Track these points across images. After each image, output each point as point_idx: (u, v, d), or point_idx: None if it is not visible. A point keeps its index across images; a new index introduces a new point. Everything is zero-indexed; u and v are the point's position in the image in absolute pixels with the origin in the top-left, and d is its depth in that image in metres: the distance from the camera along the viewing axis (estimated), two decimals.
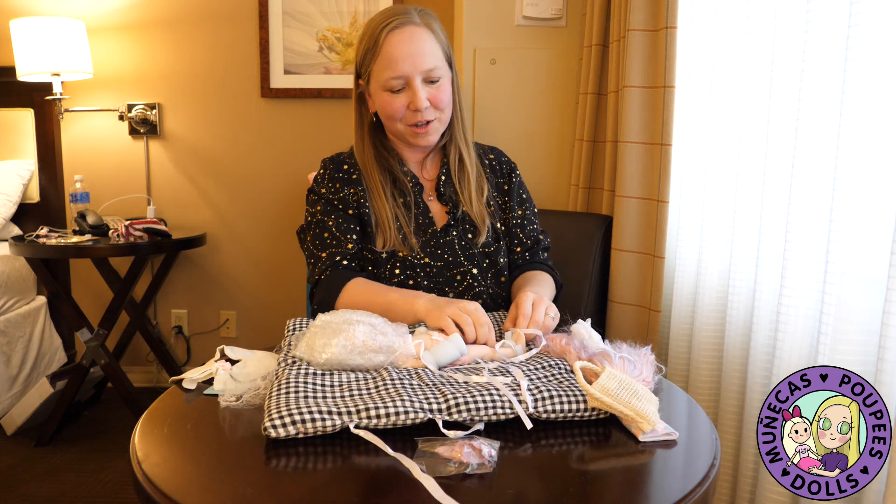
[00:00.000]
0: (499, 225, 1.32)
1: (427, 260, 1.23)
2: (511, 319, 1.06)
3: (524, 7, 2.06)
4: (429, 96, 1.20)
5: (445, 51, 1.23)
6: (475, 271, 1.25)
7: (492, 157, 1.38)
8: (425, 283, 1.22)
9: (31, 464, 2.18)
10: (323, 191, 1.28)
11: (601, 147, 1.93)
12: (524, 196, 1.38)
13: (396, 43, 1.17)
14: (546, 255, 1.38)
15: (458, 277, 1.24)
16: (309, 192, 1.33)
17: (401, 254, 1.22)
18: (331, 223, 1.25)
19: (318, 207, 1.28)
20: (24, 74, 2.45)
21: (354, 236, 1.25)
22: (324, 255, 1.23)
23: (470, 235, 1.27)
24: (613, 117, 1.81)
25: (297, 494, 0.67)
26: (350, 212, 1.26)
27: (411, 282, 1.22)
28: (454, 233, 1.27)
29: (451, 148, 1.30)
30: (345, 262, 1.22)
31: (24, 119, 2.74)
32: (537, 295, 1.09)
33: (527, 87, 2.09)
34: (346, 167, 1.29)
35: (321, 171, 1.31)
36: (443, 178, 1.30)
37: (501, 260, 1.28)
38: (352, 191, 1.27)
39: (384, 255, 1.22)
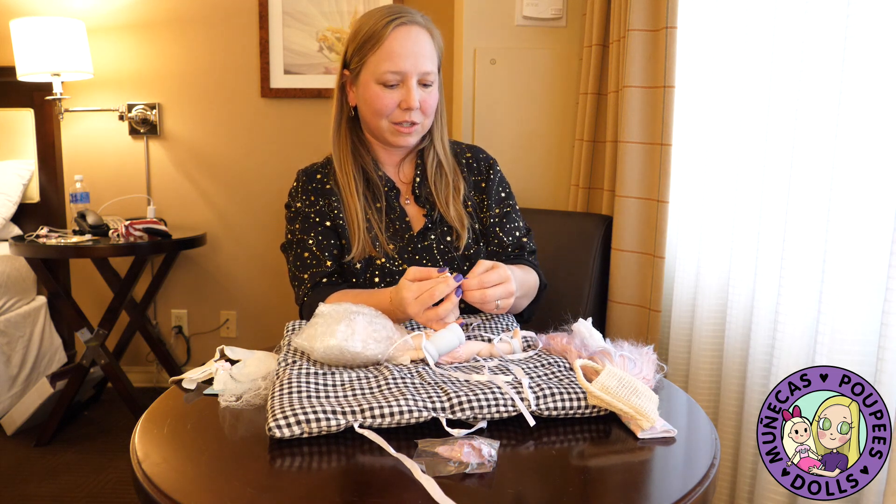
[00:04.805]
0: (477, 225, 1.30)
1: (405, 266, 1.21)
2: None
3: (524, 7, 2.06)
4: (420, 99, 1.19)
5: (440, 57, 1.23)
6: None
7: (469, 155, 1.36)
8: None
9: (31, 464, 2.18)
10: (298, 205, 1.27)
11: (601, 147, 1.93)
12: (503, 194, 1.34)
13: (401, 38, 1.17)
14: (533, 258, 1.34)
15: None
16: (286, 206, 1.31)
17: (378, 262, 1.20)
18: (310, 241, 1.24)
19: (297, 225, 1.27)
20: (24, 74, 2.45)
21: (335, 251, 1.24)
22: (305, 276, 1.23)
23: (449, 238, 1.25)
24: (613, 117, 1.81)
25: (297, 494, 0.67)
26: (328, 223, 1.25)
27: None
28: (432, 237, 1.25)
29: (429, 152, 1.29)
30: (325, 281, 1.22)
31: (24, 119, 2.75)
32: (501, 266, 1.02)
33: (527, 87, 2.09)
34: (318, 177, 1.28)
35: (295, 184, 1.30)
36: (418, 179, 1.28)
37: None
38: (326, 202, 1.25)
39: (358, 266, 1.21)
